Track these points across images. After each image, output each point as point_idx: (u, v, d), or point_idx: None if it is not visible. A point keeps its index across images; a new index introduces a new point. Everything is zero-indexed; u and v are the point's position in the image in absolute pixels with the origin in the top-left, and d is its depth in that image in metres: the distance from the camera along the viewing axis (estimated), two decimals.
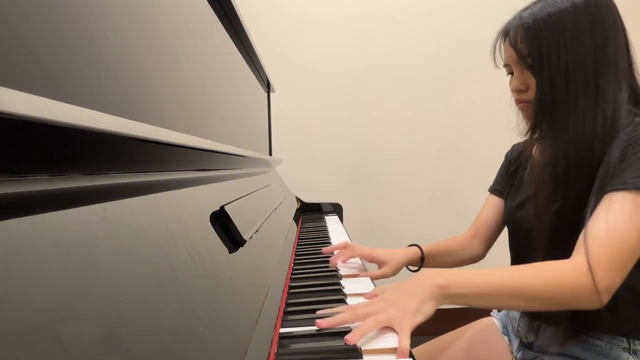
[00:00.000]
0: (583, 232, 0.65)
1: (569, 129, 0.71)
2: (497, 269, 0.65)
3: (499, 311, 1.00)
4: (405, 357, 0.49)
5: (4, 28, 0.27)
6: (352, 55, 2.22)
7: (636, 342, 0.72)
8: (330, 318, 0.56)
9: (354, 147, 2.24)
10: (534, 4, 0.75)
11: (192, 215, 0.51)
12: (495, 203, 1.01)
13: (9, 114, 0.21)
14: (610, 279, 0.62)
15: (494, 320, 0.98)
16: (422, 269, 0.96)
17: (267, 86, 1.82)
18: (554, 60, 0.71)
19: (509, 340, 0.93)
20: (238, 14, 1.03)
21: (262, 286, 0.61)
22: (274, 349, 0.51)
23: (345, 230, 1.40)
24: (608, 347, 0.73)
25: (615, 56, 0.71)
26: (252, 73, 1.40)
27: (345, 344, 0.50)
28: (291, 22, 2.20)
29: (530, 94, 0.76)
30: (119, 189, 0.38)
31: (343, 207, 1.82)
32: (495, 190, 1.02)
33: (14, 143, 0.25)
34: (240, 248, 0.60)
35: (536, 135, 0.80)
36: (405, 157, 2.25)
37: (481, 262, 1.05)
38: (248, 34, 1.16)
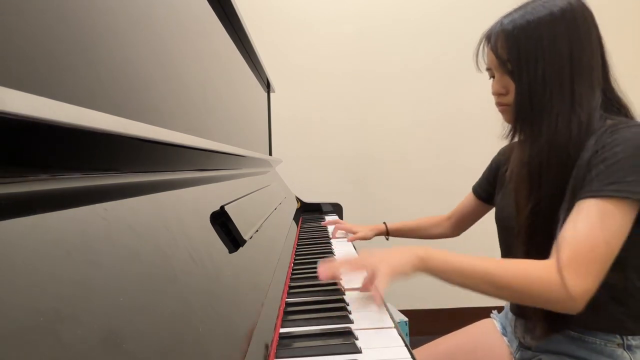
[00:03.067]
0: (557, 236, 0.68)
1: (544, 131, 0.74)
2: (479, 257, 0.70)
3: (499, 312, 1.00)
4: (378, 292, 0.64)
5: (4, 28, 0.27)
6: (352, 55, 2.22)
7: (629, 337, 0.73)
8: (327, 269, 0.69)
9: (354, 147, 2.24)
10: (515, 10, 0.77)
11: (192, 215, 0.51)
12: (471, 200, 1.14)
13: (9, 114, 0.21)
14: (581, 284, 0.64)
15: (494, 321, 0.99)
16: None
17: (267, 86, 1.82)
18: (532, 65, 0.74)
19: (509, 341, 0.93)
20: (238, 14, 1.03)
21: (262, 286, 0.61)
22: (274, 349, 0.51)
23: None
24: (603, 344, 0.74)
25: (589, 63, 0.73)
26: (252, 73, 1.40)
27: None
28: (291, 22, 2.20)
29: (510, 98, 0.79)
30: (119, 189, 0.38)
31: (343, 207, 1.82)
32: (475, 190, 1.14)
33: (14, 143, 0.25)
34: (240, 248, 0.60)
35: (517, 138, 0.82)
36: (406, 157, 2.25)
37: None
38: (248, 34, 1.16)
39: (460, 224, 1.20)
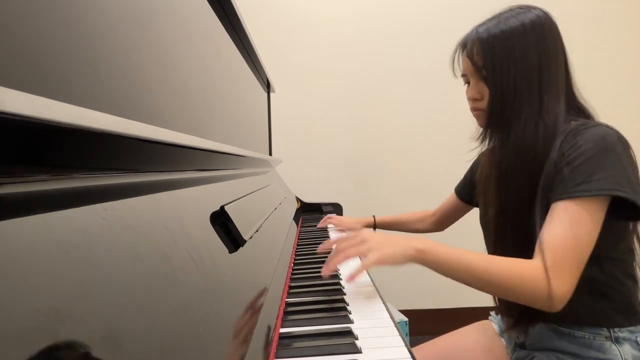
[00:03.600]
0: (538, 238, 0.71)
1: (512, 136, 0.78)
2: (473, 252, 0.72)
3: (497, 314, 1.01)
4: (357, 275, 0.71)
5: (4, 28, 0.27)
6: (352, 55, 2.22)
7: (616, 329, 0.74)
8: (327, 266, 0.73)
9: (354, 147, 2.24)
10: (489, 20, 0.81)
11: (192, 215, 0.51)
12: (453, 200, 1.22)
13: (9, 114, 0.21)
14: (564, 285, 0.67)
15: (491, 323, 0.99)
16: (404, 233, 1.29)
17: (267, 86, 1.82)
18: (504, 73, 0.77)
19: (505, 342, 0.93)
20: (238, 14, 1.03)
21: (262, 286, 0.61)
22: (274, 349, 0.51)
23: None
24: (591, 337, 0.75)
25: (556, 72, 0.78)
26: (252, 73, 1.40)
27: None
28: (291, 22, 2.20)
29: (484, 103, 0.82)
30: (119, 189, 0.38)
31: (343, 207, 1.82)
32: (457, 190, 1.22)
33: (14, 143, 0.25)
34: (240, 248, 0.60)
35: (487, 141, 0.86)
36: (406, 157, 2.25)
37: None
38: (248, 34, 1.16)
39: (443, 220, 1.28)
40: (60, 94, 0.32)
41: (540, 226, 0.72)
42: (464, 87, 0.90)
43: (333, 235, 1.32)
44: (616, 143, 0.70)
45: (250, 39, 1.20)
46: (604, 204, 0.69)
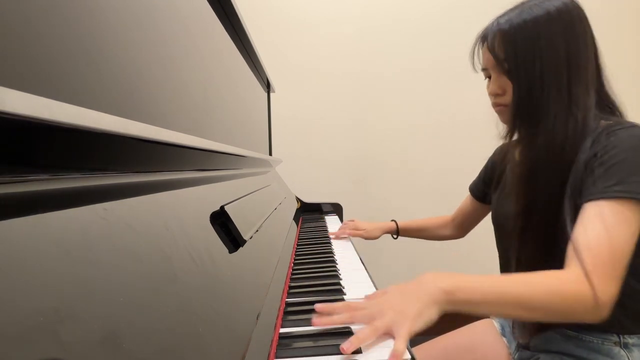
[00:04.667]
0: (571, 242, 0.65)
1: (542, 132, 0.73)
2: (500, 276, 0.64)
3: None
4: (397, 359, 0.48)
5: (4, 28, 0.27)
6: (352, 55, 2.22)
7: (626, 336, 0.73)
8: (328, 318, 0.55)
9: (355, 147, 2.24)
10: (510, 10, 0.77)
11: (192, 215, 0.51)
12: (470, 201, 1.17)
13: (9, 114, 0.21)
14: (609, 290, 0.61)
15: (493, 321, 0.99)
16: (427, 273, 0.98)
17: (267, 86, 1.82)
18: (529, 65, 0.73)
19: (507, 342, 0.93)
20: (238, 14, 1.03)
21: (262, 286, 0.61)
22: (274, 349, 0.51)
23: None
24: (600, 342, 0.74)
25: (585, 64, 0.73)
26: (252, 73, 1.40)
27: (341, 352, 0.49)
28: (291, 22, 2.20)
29: (507, 98, 0.78)
30: (119, 189, 0.38)
31: (343, 207, 1.82)
32: (471, 190, 1.17)
33: (14, 143, 0.25)
34: (240, 248, 0.60)
35: (515, 138, 0.82)
36: (406, 157, 2.25)
37: (475, 261, 1.07)
38: (248, 34, 1.16)
39: (463, 225, 1.22)
40: (60, 94, 0.32)
41: (571, 227, 0.67)
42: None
43: (334, 239, 1.27)
44: None
45: (250, 39, 1.20)
46: (638, 209, 0.64)
